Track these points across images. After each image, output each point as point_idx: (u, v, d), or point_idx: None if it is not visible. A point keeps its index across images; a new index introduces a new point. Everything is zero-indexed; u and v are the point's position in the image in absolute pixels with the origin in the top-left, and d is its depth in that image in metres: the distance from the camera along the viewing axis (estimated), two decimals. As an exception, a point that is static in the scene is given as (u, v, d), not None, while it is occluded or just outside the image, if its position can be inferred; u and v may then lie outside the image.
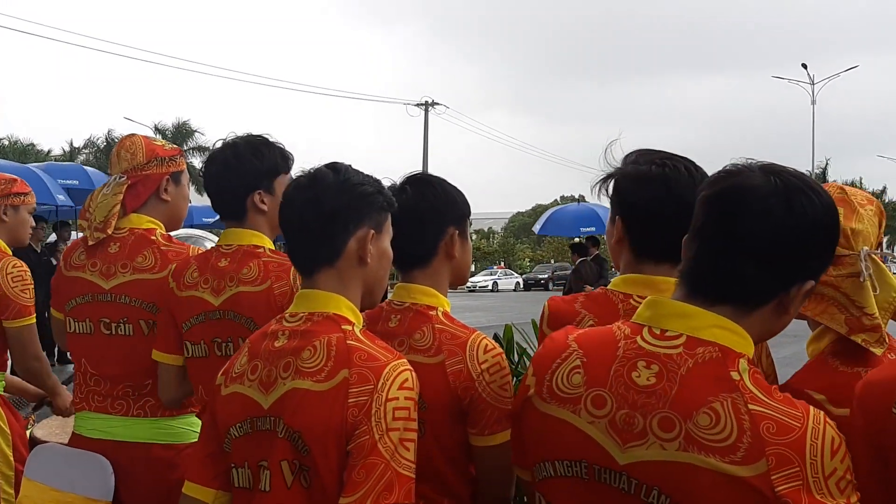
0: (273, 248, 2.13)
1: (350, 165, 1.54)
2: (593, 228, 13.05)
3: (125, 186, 2.27)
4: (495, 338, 2.67)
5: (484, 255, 56.77)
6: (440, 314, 1.70)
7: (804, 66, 46.17)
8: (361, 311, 1.53)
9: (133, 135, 2.38)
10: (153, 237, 2.28)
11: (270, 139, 2.16)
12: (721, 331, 1.15)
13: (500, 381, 1.61)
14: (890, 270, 1.39)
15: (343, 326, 1.43)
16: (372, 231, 1.49)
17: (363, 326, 1.49)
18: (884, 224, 1.40)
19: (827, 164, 52.58)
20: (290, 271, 2.02)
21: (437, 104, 48.24)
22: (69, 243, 2.88)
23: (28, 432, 2.90)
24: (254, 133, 2.16)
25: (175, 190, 2.38)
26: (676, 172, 1.54)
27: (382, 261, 1.54)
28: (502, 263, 52.56)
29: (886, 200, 53.27)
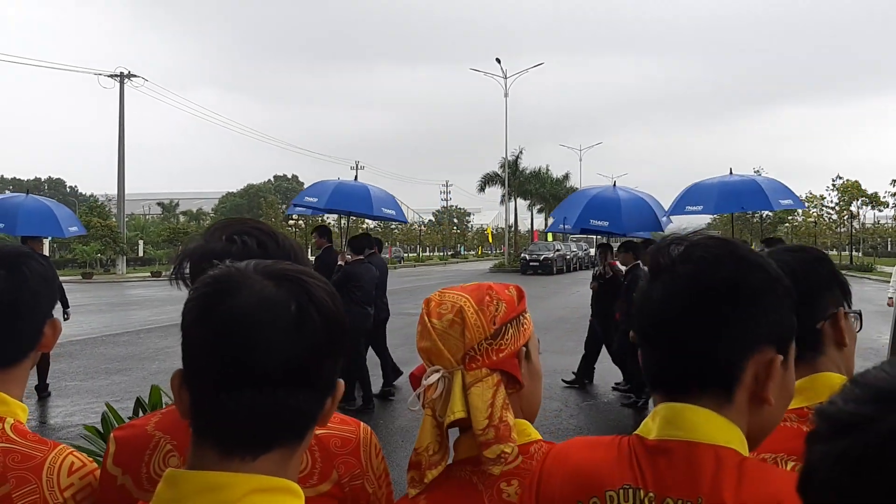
0: None
1: None
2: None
3: None
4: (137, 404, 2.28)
5: (192, 239, 53.79)
6: (8, 428, 1.32)
7: (498, 60, 50.02)
8: None
9: None
10: None
11: None
12: (262, 496, 0.90)
13: None
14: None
15: None
16: None
17: None
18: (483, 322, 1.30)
19: (521, 152, 57.69)
20: None
21: (135, 76, 44.67)
22: None
23: None
24: None
25: None
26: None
27: None
28: (212, 248, 50.10)
29: (568, 186, 59.87)
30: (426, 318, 1.30)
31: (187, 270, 1.32)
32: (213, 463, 0.91)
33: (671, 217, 10.19)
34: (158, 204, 64.77)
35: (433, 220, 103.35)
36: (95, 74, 44.19)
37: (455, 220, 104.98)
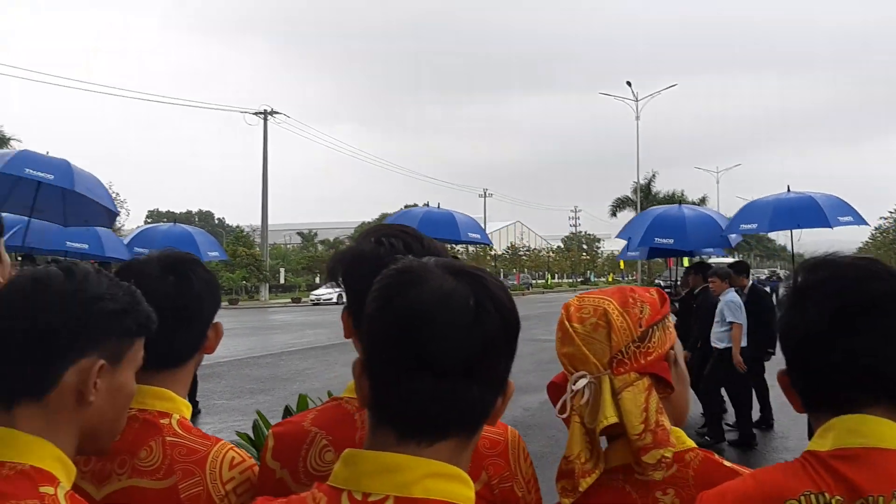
0: None
1: (98, 270, 1.18)
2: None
3: None
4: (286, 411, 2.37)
5: (329, 267, 55.88)
6: (175, 423, 1.38)
7: (628, 83, 49.24)
8: (82, 455, 1.18)
9: None
10: None
11: None
12: (437, 482, 0.91)
13: None
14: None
15: (41, 488, 1.05)
16: (102, 363, 1.14)
17: (71, 486, 1.11)
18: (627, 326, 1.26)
19: (653, 176, 56.29)
20: None
21: (277, 113, 47.27)
22: None
23: None
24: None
25: None
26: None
27: (117, 399, 1.19)
28: (347, 275, 51.86)
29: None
30: (566, 322, 1.28)
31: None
32: (389, 446, 0.93)
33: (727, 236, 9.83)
34: (298, 234, 67.94)
35: (562, 246, 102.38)
36: (241, 112, 47.22)
37: (584, 246, 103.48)
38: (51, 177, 7.05)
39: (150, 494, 1.30)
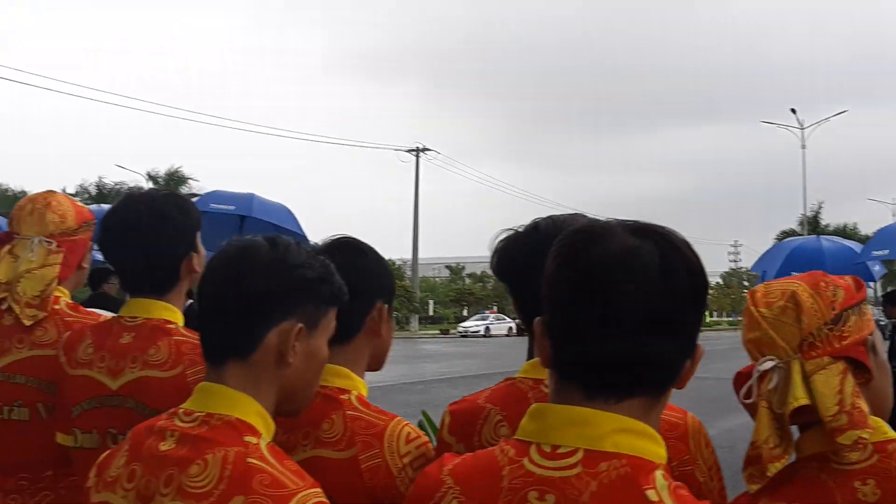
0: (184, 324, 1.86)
1: (297, 243, 1.30)
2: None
3: (61, 255, 2.01)
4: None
5: (477, 300, 56.49)
6: (354, 399, 1.46)
7: (793, 110, 46.67)
8: (277, 417, 1.27)
9: (53, 193, 2.13)
10: (56, 306, 2.02)
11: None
12: (626, 437, 0.91)
13: None
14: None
15: (246, 438, 1.15)
16: (301, 326, 1.23)
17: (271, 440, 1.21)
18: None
19: (820, 207, 52.83)
20: None
21: (429, 150, 48.68)
22: None
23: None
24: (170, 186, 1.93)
25: (91, 256, 2.18)
26: None
27: (311, 363, 1.28)
28: (495, 308, 52.23)
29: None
30: (752, 308, 1.24)
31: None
32: (577, 402, 0.94)
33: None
34: (447, 267, 69.25)
35: (720, 283, 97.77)
36: (395, 150, 48.96)
37: (745, 283, 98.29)
38: (232, 207, 7.67)
39: (333, 464, 1.37)
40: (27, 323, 1.96)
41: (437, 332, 44.79)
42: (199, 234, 1.88)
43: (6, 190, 37.64)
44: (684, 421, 1.35)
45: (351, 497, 1.35)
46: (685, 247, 0.95)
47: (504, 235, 1.54)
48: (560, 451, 0.92)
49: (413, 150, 48.29)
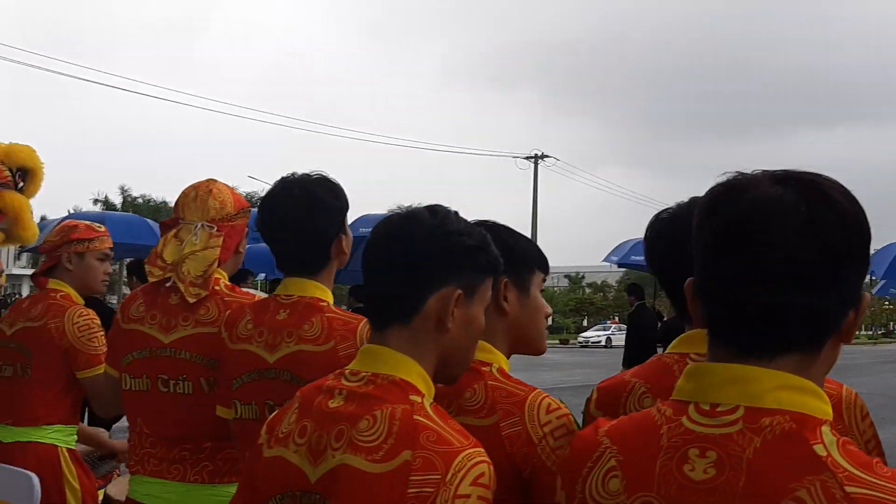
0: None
1: (455, 212, 1.33)
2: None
3: (221, 239, 2.14)
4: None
5: (598, 310, 55.55)
6: (495, 371, 1.50)
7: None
8: (436, 383, 1.30)
9: (214, 181, 2.26)
10: (217, 287, 2.13)
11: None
12: (788, 393, 0.89)
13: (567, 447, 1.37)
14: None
15: (411, 396, 1.19)
16: (460, 292, 1.26)
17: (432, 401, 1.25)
18: None
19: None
20: (357, 332, 1.82)
21: (547, 157, 48.40)
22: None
23: (102, 491, 2.81)
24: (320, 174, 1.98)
25: (246, 241, 2.30)
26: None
27: (469, 330, 1.31)
28: (616, 318, 51.17)
29: None
30: None
31: None
32: (732, 360, 0.92)
33: None
34: (566, 276, 68.45)
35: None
36: (513, 157, 48.98)
37: (887, 300, 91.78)
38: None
39: (474, 431, 1.36)
40: (191, 300, 2.08)
41: (557, 341, 44.33)
42: (346, 217, 1.94)
43: (149, 200, 40.50)
44: (839, 392, 1.33)
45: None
46: (838, 194, 0.91)
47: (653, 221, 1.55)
48: (720, 409, 0.91)
49: (531, 157, 48.21)
